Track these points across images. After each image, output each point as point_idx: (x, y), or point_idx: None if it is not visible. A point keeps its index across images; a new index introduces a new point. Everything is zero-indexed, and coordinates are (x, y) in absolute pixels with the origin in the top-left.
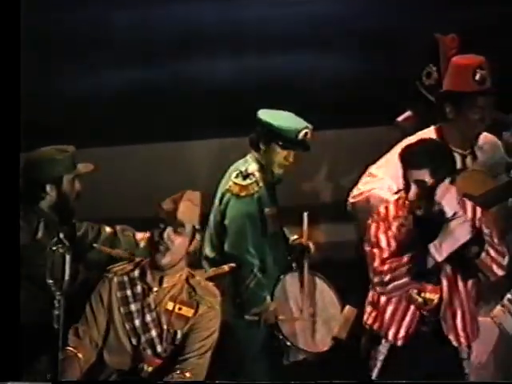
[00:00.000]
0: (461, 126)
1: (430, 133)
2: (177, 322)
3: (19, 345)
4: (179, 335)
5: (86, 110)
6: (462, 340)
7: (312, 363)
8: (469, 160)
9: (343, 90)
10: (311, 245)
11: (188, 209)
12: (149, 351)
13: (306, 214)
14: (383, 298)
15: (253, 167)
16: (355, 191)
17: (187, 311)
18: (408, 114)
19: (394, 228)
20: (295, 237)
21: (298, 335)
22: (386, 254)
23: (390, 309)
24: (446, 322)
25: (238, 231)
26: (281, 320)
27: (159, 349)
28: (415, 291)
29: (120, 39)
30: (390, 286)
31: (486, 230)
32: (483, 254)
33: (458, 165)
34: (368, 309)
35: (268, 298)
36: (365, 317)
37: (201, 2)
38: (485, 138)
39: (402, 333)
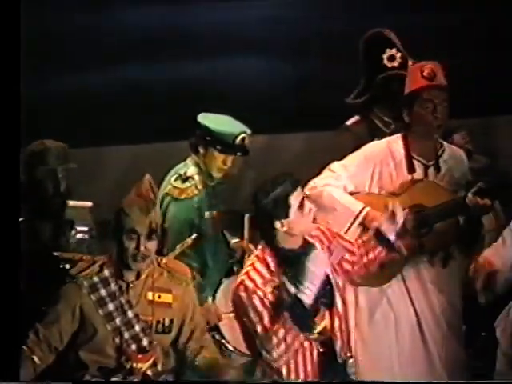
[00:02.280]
0: (419, 129)
1: (396, 139)
2: (160, 310)
3: (19, 345)
4: (167, 323)
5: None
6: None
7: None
8: (431, 171)
9: (290, 94)
10: (252, 248)
11: (156, 213)
12: (133, 346)
13: (247, 217)
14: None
15: (192, 170)
16: (311, 184)
17: (166, 297)
18: (356, 118)
19: (269, 295)
20: (236, 240)
21: (239, 338)
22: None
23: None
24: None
25: (177, 234)
26: (222, 321)
27: (145, 342)
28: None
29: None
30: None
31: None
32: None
33: (420, 175)
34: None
35: (209, 299)
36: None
37: (149, 6)
38: (452, 151)
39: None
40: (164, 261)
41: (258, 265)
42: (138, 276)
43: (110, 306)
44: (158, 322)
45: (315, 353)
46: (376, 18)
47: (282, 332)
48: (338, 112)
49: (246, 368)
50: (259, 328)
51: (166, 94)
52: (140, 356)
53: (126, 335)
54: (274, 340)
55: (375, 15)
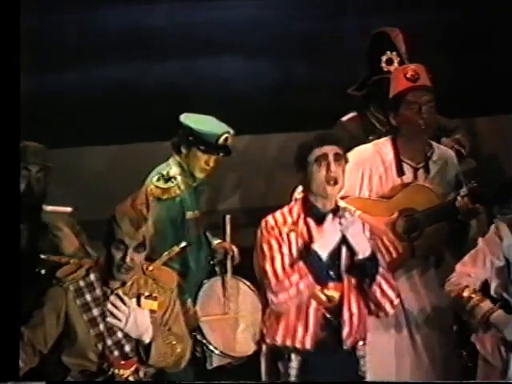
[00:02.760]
0: (407, 132)
1: (385, 142)
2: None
3: (19, 345)
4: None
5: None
6: (349, 343)
7: (236, 367)
8: (421, 173)
9: (269, 95)
10: (234, 249)
11: (147, 227)
12: (116, 353)
13: (228, 218)
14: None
15: (174, 170)
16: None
17: (151, 304)
18: (352, 114)
19: (284, 236)
20: (218, 241)
21: (221, 340)
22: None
23: (292, 317)
24: (344, 323)
25: (159, 234)
26: (203, 322)
27: (127, 348)
28: (318, 288)
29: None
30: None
31: (380, 259)
32: (374, 287)
33: (410, 177)
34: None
35: (189, 301)
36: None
37: (127, 6)
38: (441, 152)
39: (308, 337)
40: (150, 268)
41: (286, 210)
42: (123, 283)
43: (95, 312)
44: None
45: (320, 316)
46: (360, 19)
47: (295, 277)
48: (322, 112)
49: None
50: (269, 267)
51: (148, 95)
52: (122, 362)
53: (109, 341)
54: (286, 283)
55: (359, 16)
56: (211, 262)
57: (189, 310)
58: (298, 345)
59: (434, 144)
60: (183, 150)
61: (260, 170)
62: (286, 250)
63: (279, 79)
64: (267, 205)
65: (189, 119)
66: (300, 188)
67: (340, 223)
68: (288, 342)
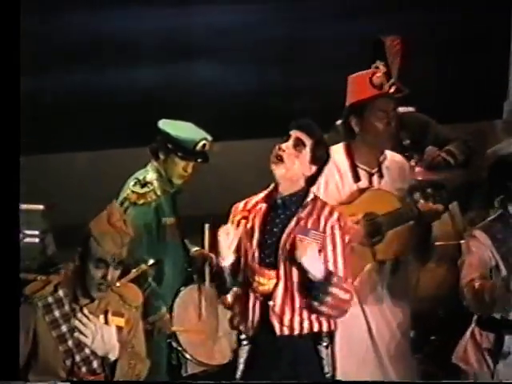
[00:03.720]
0: (369, 139)
1: (338, 148)
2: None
3: (19, 345)
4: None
5: None
6: (285, 330)
7: (212, 375)
8: (375, 179)
9: (245, 101)
10: (212, 256)
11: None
12: (84, 369)
13: (207, 226)
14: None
15: (151, 176)
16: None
17: (119, 321)
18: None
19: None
20: (196, 248)
21: (197, 347)
22: None
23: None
24: (273, 309)
25: (134, 239)
26: (176, 330)
27: (95, 365)
28: (254, 275)
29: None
30: None
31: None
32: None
33: (365, 183)
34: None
35: (163, 308)
36: None
37: (103, 11)
38: (392, 158)
39: (249, 323)
40: (118, 284)
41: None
42: (91, 299)
43: (63, 328)
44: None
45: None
46: (335, 25)
47: None
48: (299, 117)
49: None
50: None
51: (123, 100)
52: (92, 378)
53: (78, 357)
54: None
55: (334, 22)
56: (189, 270)
57: (163, 316)
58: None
59: (386, 150)
60: (161, 156)
61: (237, 175)
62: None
63: (255, 84)
64: None
65: (167, 125)
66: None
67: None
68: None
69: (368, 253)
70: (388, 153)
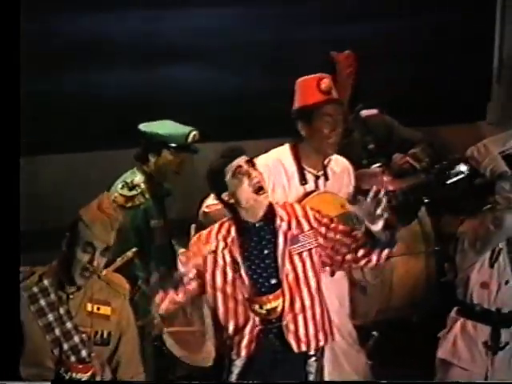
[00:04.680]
0: (315, 142)
1: (285, 150)
2: (98, 322)
3: (19, 345)
4: (105, 335)
5: None
6: (303, 346)
7: (197, 378)
8: (321, 181)
9: (229, 104)
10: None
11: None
12: (73, 358)
13: (193, 227)
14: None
15: (139, 179)
16: (209, 201)
17: (105, 310)
18: None
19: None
20: (183, 250)
21: (184, 350)
22: None
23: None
24: (287, 327)
25: (123, 242)
26: (167, 331)
27: (84, 354)
28: (257, 306)
29: None
30: None
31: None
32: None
33: (312, 186)
34: None
35: (153, 310)
36: None
37: (87, 14)
38: (336, 161)
39: (243, 343)
40: (104, 273)
41: (216, 226)
42: (78, 287)
43: (50, 317)
44: (97, 333)
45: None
46: (312, 30)
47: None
48: (281, 120)
49: None
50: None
51: (108, 102)
52: (80, 366)
53: (66, 346)
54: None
55: (312, 26)
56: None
57: (153, 319)
58: (234, 356)
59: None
60: (152, 158)
61: None
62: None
63: (239, 88)
64: None
65: (151, 127)
66: (209, 201)
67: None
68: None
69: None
70: (333, 155)
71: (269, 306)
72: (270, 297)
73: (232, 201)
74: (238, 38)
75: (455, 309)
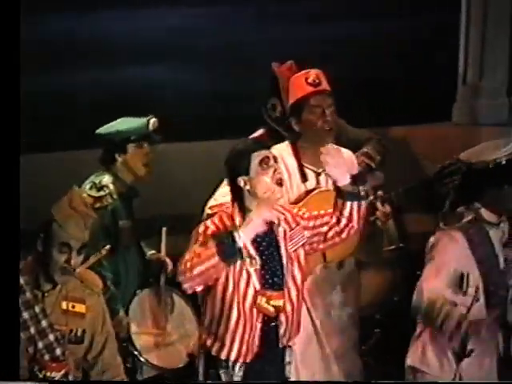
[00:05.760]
0: (309, 136)
1: (284, 148)
2: (73, 320)
3: (19, 345)
4: (79, 333)
5: None
6: (285, 341)
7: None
8: (323, 178)
9: (202, 103)
10: (168, 260)
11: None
12: (47, 356)
13: (164, 230)
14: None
15: (107, 179)
16: (212, 202)
17: (80, 308)
18: (260, 131)
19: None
20: (152, 252)
21: (152, 351)
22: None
23: (230, 327)
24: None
25: (91, 243)
26: (135, 333)
27: (58, 352)
28: (264, 300)
29: None
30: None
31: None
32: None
33: (312, 183)
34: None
35: (121, 311)
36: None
37: (60, 14)
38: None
39: (250, 351)
40: (78, 270)
41: (225, 218)
42: (54, 285)
43: (25, 315)
44: (71, 331)
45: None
46: (282, 32)
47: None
48: (247, 120)
49: None
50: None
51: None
52: (54, 365)
53: (40, 344)
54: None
55: (282, 28)
56: (145, 273)
57: (121, 320)
58: (241, 359)
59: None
60: (118, 158)
61: (193, 177)
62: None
63: (205, 88)
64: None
65: (109, 127)
66: (211, 202)
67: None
68: (232, 357)
69: (318, 254)
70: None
71: (276, 303)
72: (275, 294)
73: (248, 187)
74: (214, 37)
75: None
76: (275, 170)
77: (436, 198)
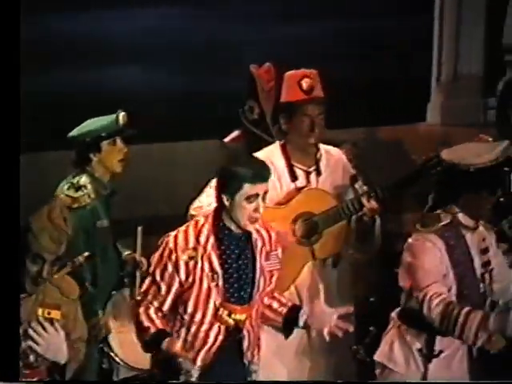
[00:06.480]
0: (295, 139)
1: (275, 148)
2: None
3: (19, 345)
4: None
5: None
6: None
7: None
8: (313, 176)
9: (176, 104)
10: (144, 260)
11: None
12: (20, 363)
13: (139, 229)
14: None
15: (84, 180)
16: (196, 203)
17: (56, 314)
18: (236, 133)
19: (181, 265)
20: (128, 252)
21: (128, 352)
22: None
23: (200, 335)
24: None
25: (70, 244)
26: (111, 334)
27: (31, 359)
28: (226, 313)
29: None
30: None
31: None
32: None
33: (303, 182)
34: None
35: (100, 312)
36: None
37: (34, 15)
38: (328, 153)
39: (202, 354)
40: (55, 276)
41: (191, 230)
42: (28, 293)
43: None
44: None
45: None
46: (260, 32)
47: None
48: (221, 121)
49: None
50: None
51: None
52: (27, 372)
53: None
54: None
55: (259, 28)
56: (120, 274)
57: (99, 321)
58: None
59: (322, 146)
60: (93, 157)
61: (170, 177)
62: (175, 283)
63: (179, 89)
64: (177, 212)
65: (80, 129)
66: (196, 204)
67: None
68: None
69: (307, 252)
70: (323, 148)
71: (238, 317)
72: (239, 308)
73: (227, 205)
74: (182, 37)
75: (397, 310)
76: (257, 208)
77: (419, 195)
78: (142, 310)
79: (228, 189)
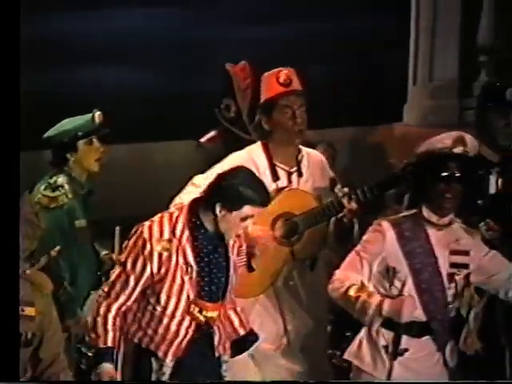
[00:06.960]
0: (279, 136)
1: (257, 148)
2: (23, 324)
3: (19, 345)
4: (29, 336)
5: None
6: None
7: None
8: (294, 177)
9: (153, 104)
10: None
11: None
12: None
13: (118, 229)
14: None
15: (62, 179)
16: (177, 200)
17: (30, 311)
18: (212, 134)
19: (155, 255)
20: (105, 252)
21: None
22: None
23: (172, 327)
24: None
25: (48, 244)
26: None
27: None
28: (197, 309)
29: None
30: None
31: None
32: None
33: (284, 182)
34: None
35: (79, 311)
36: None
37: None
38: (309, 155)
39: (174, 347)
40: (28, 272)
41: (166, 221)
42: None
43: None
44: (21, 335)
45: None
46: (237, 31)
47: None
48: (198, 121)
49: None
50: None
51: (36, 104)
52: None
53: None
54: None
55: (236, 28)
56: (98, 273)
57: (79, 321)
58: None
59: (303, 148)
60: (70, 157)
61: (148, 176)
62: (146, 274)
63: (158, 90)
64: (155, 212)
65: (56, 129)
66: (177, 200)
67: None
68: (160, 353)
69: (287, 252)
70: (305, 151)
71: (209, 314)
72: (210, 305)
73: (219, 215)
74: (165, 38)
75: None
76: (246, 227)
77: (397, 195)
78: (102, 309)
79: (226, 203)
